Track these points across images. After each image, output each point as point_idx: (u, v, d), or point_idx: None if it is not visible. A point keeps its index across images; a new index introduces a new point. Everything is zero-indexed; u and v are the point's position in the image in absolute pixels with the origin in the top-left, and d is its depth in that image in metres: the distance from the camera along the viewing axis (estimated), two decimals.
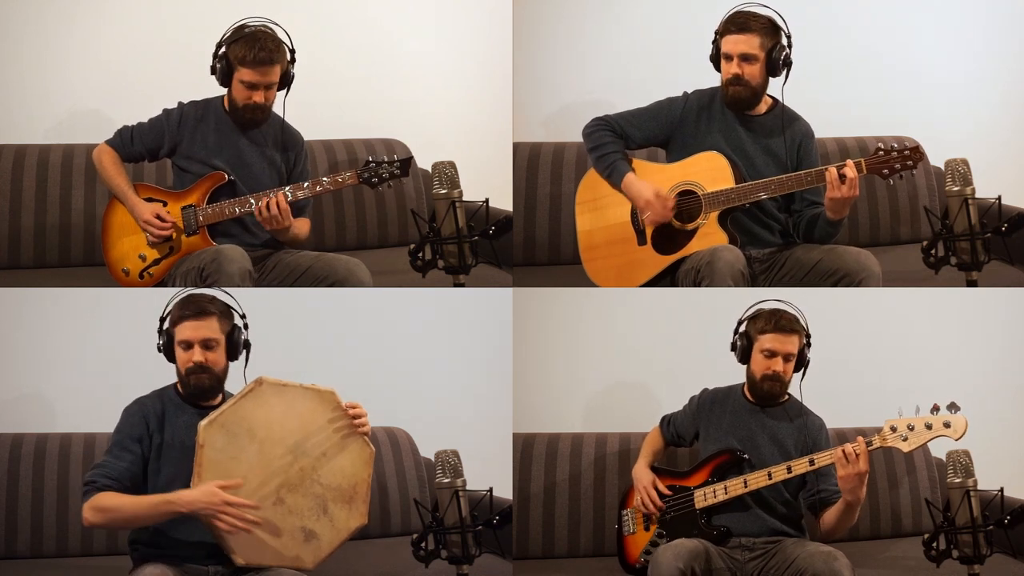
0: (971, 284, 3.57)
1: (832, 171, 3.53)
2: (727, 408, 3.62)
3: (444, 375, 4.42)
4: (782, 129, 3.75)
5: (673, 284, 3.72)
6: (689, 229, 3.70)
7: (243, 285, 3.54)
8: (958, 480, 3.52)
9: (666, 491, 3.57)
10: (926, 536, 3.50)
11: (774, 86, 3.72)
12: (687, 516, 3.53)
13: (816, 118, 3.85)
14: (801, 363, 3.54)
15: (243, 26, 3.68)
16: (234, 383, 3.32)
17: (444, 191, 3.63)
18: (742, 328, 3.58)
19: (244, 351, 3.32)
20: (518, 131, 4.48)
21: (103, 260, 3.81)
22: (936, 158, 4.25)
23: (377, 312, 4.36)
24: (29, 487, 3.79)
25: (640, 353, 4.35)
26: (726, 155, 3.68)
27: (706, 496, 3.51)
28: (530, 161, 4.33)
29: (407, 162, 3.74)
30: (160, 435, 3.23)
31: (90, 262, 4.13)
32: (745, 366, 3.60)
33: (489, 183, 3.87)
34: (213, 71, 3.72)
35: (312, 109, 3.97)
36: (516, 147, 4.36)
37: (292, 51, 3.72)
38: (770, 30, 3.65)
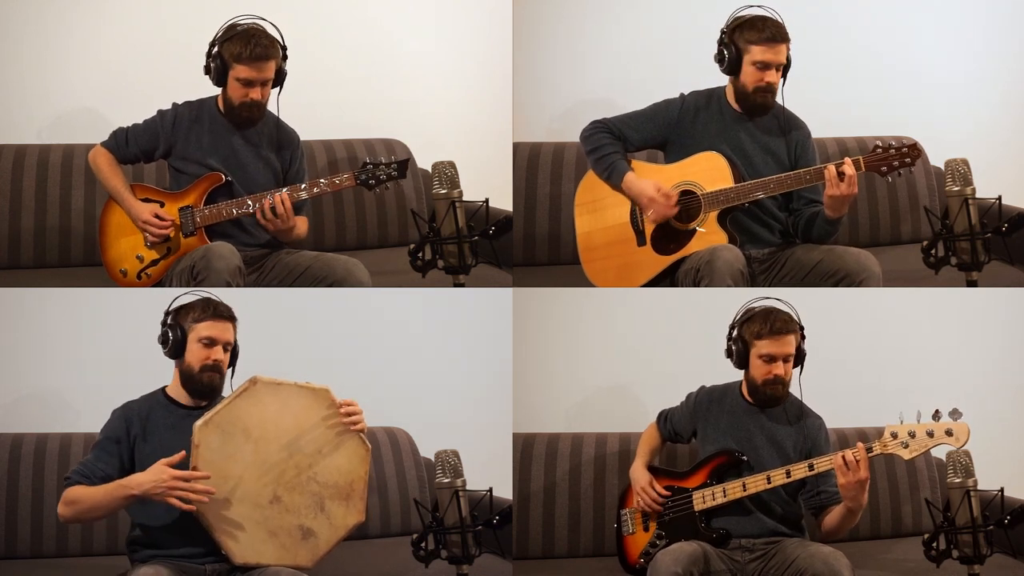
0: (971, 284, 3.57)
1: (831, 169, 3.53)
2: (724, 408, 3.61)
3: (444, 375, 4.42)
4: (781, 129, 3.76)
5: (673, 284, 3.72)
6: (688, 229, 3.70)
7: (233, 282, 3.54)
8: (958, 480, 3.52)
9: (664, 492, 3.57)
10: (926, 536, 3.49)
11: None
12: (686, 518, 3.52)
13: (816, 118, 3.85)
14: (799, 359, 3.54)
15: (235, 24, 3.68)
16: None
17: (444, 191, 3.63)
18: (735, 332, 3.57)
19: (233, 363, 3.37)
20: (518, 131, 4.48)
21: (102, 261, 3.81)
22: (936, 158, 4.26)
23: (377, 312, 4.36)
24: (29, 487, 3.80)
25: (640, 353, 4.35)
26: (725, 155, 3.69)
27: (704, 499, 3.50)
28: (530, 161, 4.33)
29: (404, 164, 3.74)
30: (143, 437, 3.25)
31: (90, 262, 4.13)
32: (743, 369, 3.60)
33: (489, 183, 3.87)
34: (207, 71, 3.71)
35: (312, 109, 3.98)
36: (516, 147, 4.36)
37: (284, 48, 3.72)
38: (788, 37, 3.66)
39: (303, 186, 3.71)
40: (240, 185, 3.75)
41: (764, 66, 3.65)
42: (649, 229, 3.75)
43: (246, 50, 3.63)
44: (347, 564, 3.61)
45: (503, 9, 4.48)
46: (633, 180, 3.73)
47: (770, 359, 3.50)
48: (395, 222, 4.43)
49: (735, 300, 3.58)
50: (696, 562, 3.31)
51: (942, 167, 3.64)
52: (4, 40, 4.38)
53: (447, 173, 3.64)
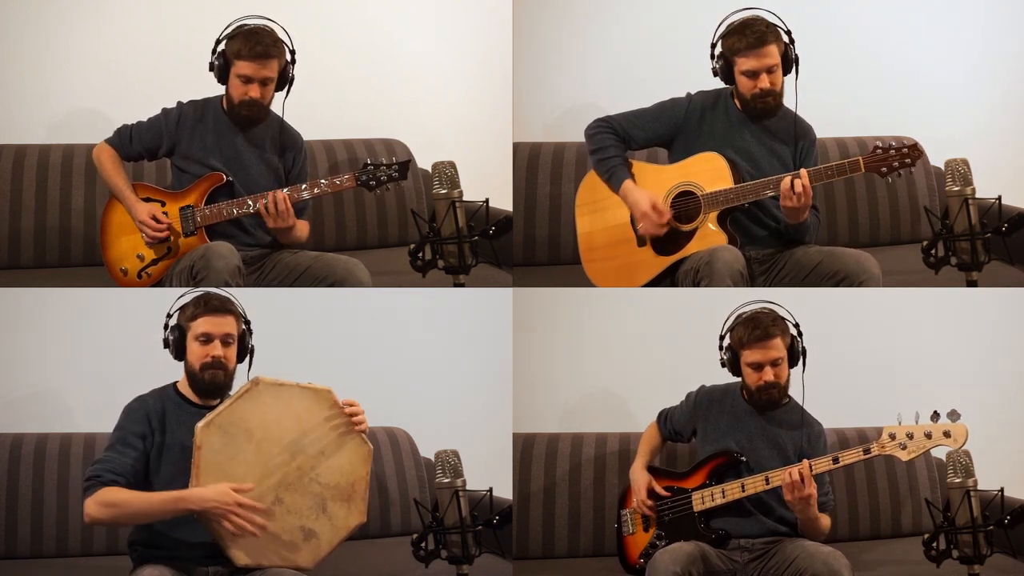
0: (971, 284, 3.57)
1: (786, 180, 3.54)
2: (725, 408, 3.61)
3: (444, 375, 4.42)
4: (788, 132, 3.75)
5: (673, 285, 3.72)
6: (688, 230, 3.69)
7: (232, 281, 3.53)
8: (958, 480, 3.52)
9: (664, 492, 3.57)
10: (926, 536, 3.49)
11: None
12: (686, 518, 3.53)
13: (816, 118, 3.84)
14: (795, 359, 3.53)
15: (243, 24, 3.69)
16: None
17: (444, 191, 3.63)
18: (725, 341, 3.58)
19: (249, 355, 3.35)
20: (518, 131, 4.48)
21: (102, 260, 3.81)
22: (936, 158, 4.25)
23: (377, 312, 4.36)
24: (29, 487, 3.79)
25: (640, 353, 4.35)
26: (728, 156, 3.68)
27: (704, 499, 3.50)
28: (530, 161, 4.33)
29: (405, 165, 3.73)
30: (161, 434, 3.23)
31: (90, 262, 4.13)
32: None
33: (489, 183, 3.86)
34: (211, 68, 3.72)
35: (312, 109, 3.97)
36: (516, 147, 4.36)
37: (292, 52, 3.72)
38: (778, 34, 3.65)
39: (304, 186, 3.71)
40: (241, 186, 3.75)
41: (752, 74, 3.65)
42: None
43: (246, 47, 3.64)
44: (347, 564, 3.61)
45: (503, 9, 4.48)
46: (630, 189, 3.73)
47: (757, 367, 3.51)
48: (395, 222, 4.43)
49: (735, 300, 3.58)
50: (695, 562, 3.32)
51: (942, 167, 3.63)
52: (4, 40, 4.37)
53: (447, 173, 3.64)
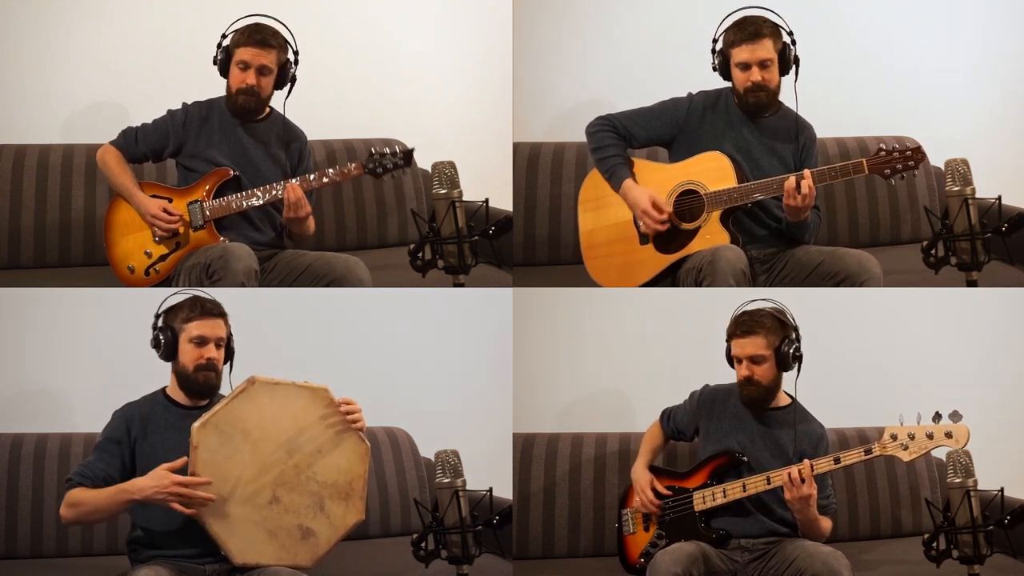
0: (971, 284, 3.57)
1: (791, 180, 3.55)
2: (727, 408, 3.61)
3: (444, 375, 4.42)
4: (788, 131, 3.76)
5: (674, 284, 3.72)
6: (690, 228, 3.70)
7: (248, 283, 3.55)
8: (958, 480, 3.52)
9: (665, 492, 3.57)
10: (926, 536, 3.49)
11: (784, 84, 3.73)
12: (686, 518, 3.53)
13: (816, 118, 3.85)
14: (784, 363, 3.51)
15: (249, 21, 3.73)
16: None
17: (444, 191, 3.63)
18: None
19: (231, 357, 3.37)
20: (518, 131, 4.48)
21: (104, 259, 3.82)
22: (936, 158, 4.24)
23: (377, 312, 4.36)
24: (29, 487, 3.79)
25: (640, 353, 4.35)
26: (730, 155, 3.69)
27: (705, 499, 3.51)
28: (530, 161, 4.33)
29: (409, 153, 3.77)
30: (144, 438, 3.25)
31: (90, 262, 4.14)
32: None
33: (489, 183, 3.86)
34: (215, 61, 3.75)
35: (312, 109, 3.97)
36: (516, 147, 4.36)
37: (296, 52, 3.75)
38: (776, 31, 3.66)
39: (312, 176, 3.73)
40: (249, 181, 3.77)
41: (745, 66, 3.66)
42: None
43: (246, 36, 3.69)
44: (347, 564, 3.61)
45: (503, 9, 4.48)
46: (630, 188, 3.74)
47: (737, 360, 3.51)
48: (395, 222, 4.43)
49: (736, 300, 3.58)
50: (695, 563, 3.31)
51: (942, 167, 3.64)
52: (4, 40, 4.38)
53: (447, 173, 3.64)
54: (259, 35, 3.69)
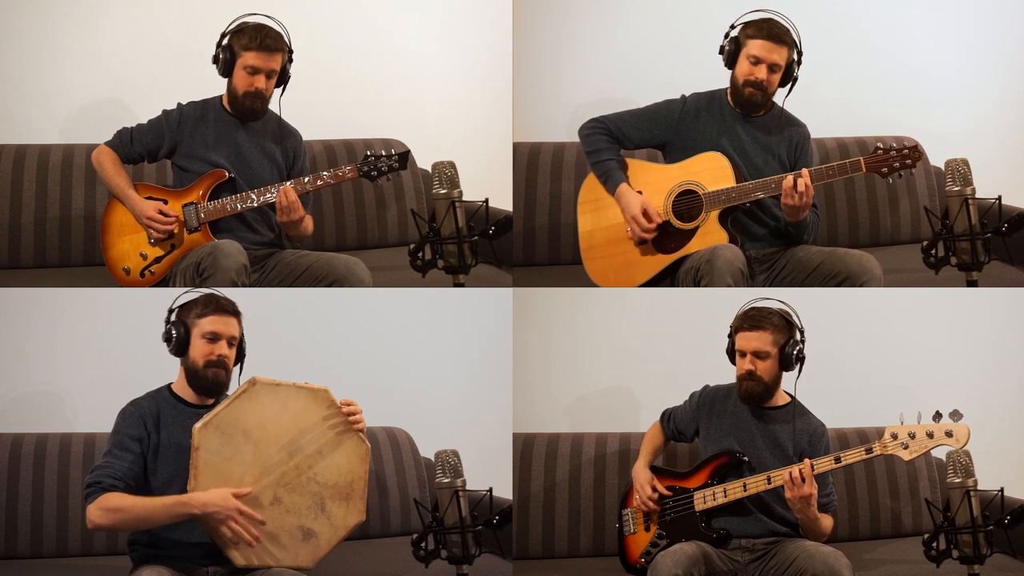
0: (971, 284, 3.57)
1: (788, 179, 3.55)
2: (727, 408, 3.62)
3: (444, 375, 4.43)
4: (781, 130, 3.76)
5: (673, 284, 3.73)
6: (689, 228, 3.70)
7: (239, 280, 3.54)
8: (958, 480, 3.52)
9: (665, 492, 3.57)
10: (926, 536, 3.49)
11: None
12: (687, 518, 3.53)
13: (816, 118, 3.86)
14: (787, 362, 3.52)
15: (246, 21, 3.72)
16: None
17: (444, 191, 3.63)
18: (730, 329, 3.59)
19: (241, 359, 3.36)
20: (518, 131, 4.48)
21: (103, 260, 3.81)
22: (936, 158, 4.26)
23: (377, 312, 4.36)
24: (29, 487, 3.79)
25: (640, 353, 4.35)
26: (727, 155, 3.69)
27: (705, 499, 3.51)
28: (530, 161, 4.33)
29: (405, 155, 3.76)
30: (157, 436, 3.23)
31: (90, 262, 4.13)
32: None
33: (489, 183, 3.87)
34: (215, 60, 3.74)
35: (312, 109, 3.98)
36: (516, 147, 4.36)
37: (291, 50, 3.75)
38: (794, 45, 3.67)
39: (307, 179, 3.72)
40: (244, 181, 3.77)
41: (756, 60, 3.67)
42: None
43: (255, 40, 3.68)
44: (347, 564, 3.61)
45: (503, 9, 4.48)
46: (624, 193, 3.74)
47: (741, 354, 3.51)
48: (395, 222, 4.43)
49: (735, 300, 3.58)
50: (696, 563, 3.31)
51: (942, 167, 3.64)
52: (4, 40, 4.38)
53: (447, 173, 3.63)
54: (268, 39, 3.68)
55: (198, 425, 3.13)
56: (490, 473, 3.72)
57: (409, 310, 4.39)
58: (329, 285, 3.70)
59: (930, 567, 3.50)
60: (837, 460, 3.39)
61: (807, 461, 3.38)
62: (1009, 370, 4.40)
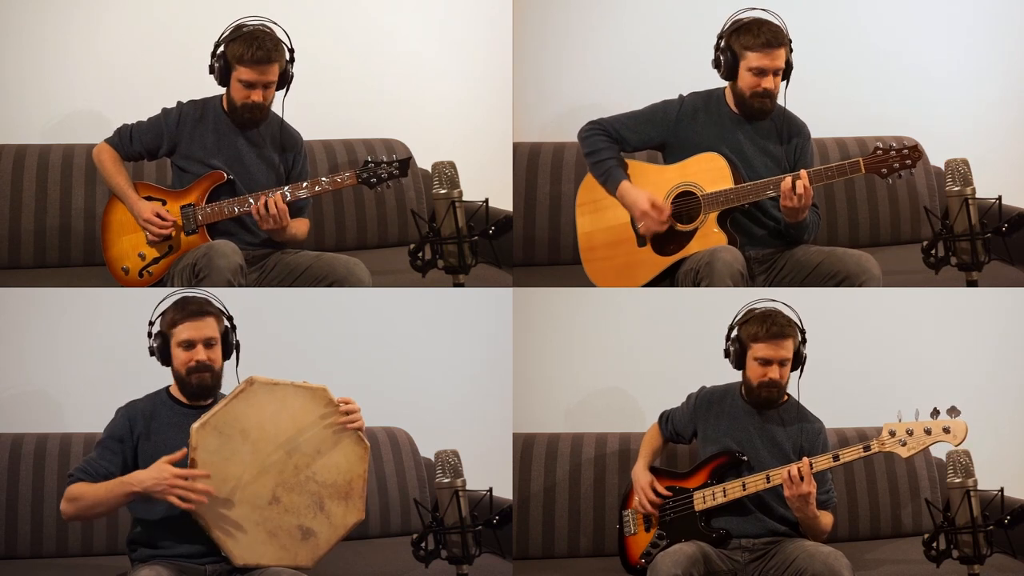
0: (971, 284, 3.56)
1: (787, 181, 3.55)
2: (724, 409, 3.62)
3: (444, 375, 4.43)
4: (780, 131, 3.76)
5: (673, 285, 3.72)
6: (688, 230, 3.70)
7: (235, 280, 3.54)
8: (958, 480, 3.51)
9: (665, 492, 3.57)
10: (926, 536, 3.49)
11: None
12: (687, 518, 3.53)
13: (816, 118, 3.85)
14: (798, 363, 3.53)
15: (242, 25, 3.68)
16: (226, 385, 3.32)
17: (444, 191, 3.63)
18: (734, 333, 3.58)
19: (235, 352, 3.35)
20: (518, 131, 4.48)
21: (103, 259, 3.81)
22: (936, 158, 4.25)
23: (377, 312, 4.36)
24: (29, 487, 3.79)
25: (640, 353, 4.35)
26: (725, 156, 3.69)
27: (705, 499, 3.51)
28: (530, 161, 4.33)
29: (406, 162, 3.75)
30: (147, 437, 3.25)
31: (90, 262, 4.14)
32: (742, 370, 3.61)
33: (489, 183, 3.86)
34: (211, 70, 3.72)
35: (312, 109, 3.97)
36: (516, 147, 4.36)
37: (291, 51, 3.73)
38: (786, 40, 3.65)
39: (304, 184, 3.72)
40: (243, 185, 3.76)
41: (760, 72, 3.65)
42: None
43: (248, 52, 3.63)
44: (347, 564, 3.61)
45: (503, 9, 4.48)
46: (627, 189, 3.73)
47: (765, 362, 3.51)
48: (395, 222, 4.43)
49: (734, 301, 3.58)
50: (696, 564, 3.32)
51: (942, 167, 3.63)
52: (4, 40, 4.38)
53: (447, 173, 3.63)
54: (261, 51, 3.62)
55: (196, 425, 3.13)
56: (490, 473, 3.72)
57: (409, 310, 4.39)
58: (329, 285, 3.70)
59: (930, 567, 3.50)
60: (835, 458, 3.40)
61: (805, 460, 3.38)
62: (1009, 370, 4.40)
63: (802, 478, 3.35)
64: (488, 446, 4.02)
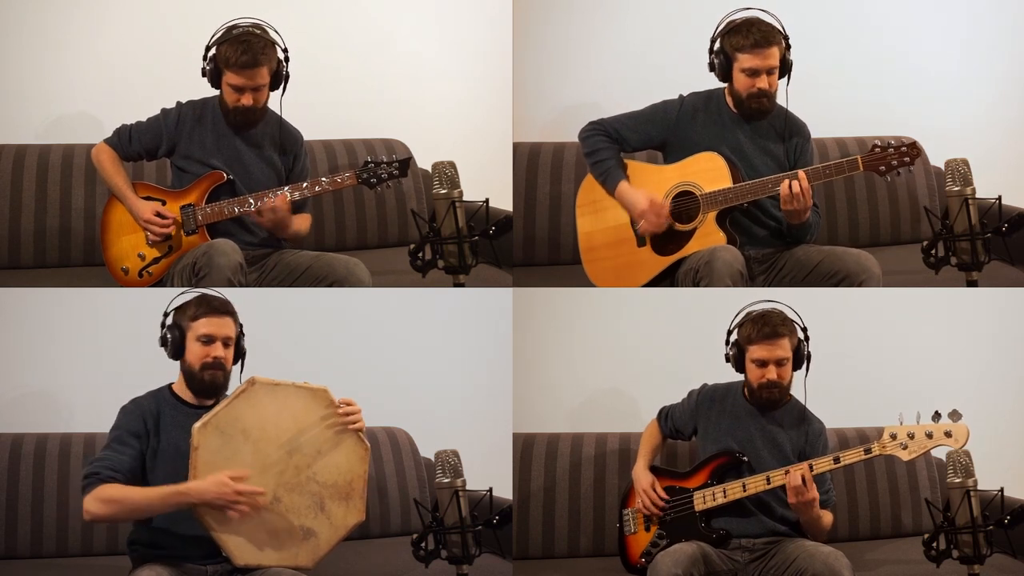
0: (971, 284, 3.56)
1: (784, 184, 3.55)
2: (726, 408, 3.62)
3: (444, 375, 4.43)
4: (780, 131, 3.76)
5: (673, 285, 3.72)
6: (688, 230, 3.70)
7: (235, 279, 3.54)
8: (958, 480, 3.51)
9: (664, 494, 3.57)
10: (926, 536, 3.49)
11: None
12: (687, 518, 3.53)
13: (816, 118, 3.85)
14: (799, 361, 3.53)
15: (233, 27, 3.67)
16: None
17: (444, 191, 3.63)
18: (732, 337, 3.58)
19: (242, 358, 3.36)
20: (518, 131, 4.48)
21: (103, 260, 3.81)
22: (936, 158, 4.25)
23: (377, 312, 4.36)
24: (29, 487, 3.79)
25: (640, 353, 4.35)
26: (724, 156, 3.69)
27: (705, 499, 3.51)
28: (530, 161, 4.33)
29: (406, 162, 3.75)
30: (156, 436, 3.23)
31: (90, 262, 4.14)
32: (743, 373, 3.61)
33: (489, 183, 3.86)
34: (204, 73, 3.71)
35: (312, 109, 3.97)
36: (516, 147, 4.36)
37: (285, 50, 3.72)
38: (780, 37, 3.65)
39: (304, 184, 3.72)
40: (243, 184, 3.76)
41: (753, 72, 3.64)
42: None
43: (234, 56, 3.62)
44: (347, 564, 3.61)
45: (503, 9, 4.48)
46: (626, 190, 3.74)
47: (761, 364, 3.51)
48: (395, 222, 4.43)
49: (734, 300, 3.58)
50: (696, 563, 3.32)
51: (942, 167, 3.63)
52: (4, 40, 4.38)
53: (447, 173, 3.63)
54: (247, 55, 3.60)
55: (197, 425, 3.13)
56: (490, 473, 3.72)
57: (409, 310, 4.39)
58: (329, 285, 3.70)
59: (930, 567, 3.50)
60: (836, 460, 3.40)
61: (805, 465, 3.38)
62: (1009, 370, 4.40)
63: (805, 485, 3.36)
64: (488, 446, 4.02)
